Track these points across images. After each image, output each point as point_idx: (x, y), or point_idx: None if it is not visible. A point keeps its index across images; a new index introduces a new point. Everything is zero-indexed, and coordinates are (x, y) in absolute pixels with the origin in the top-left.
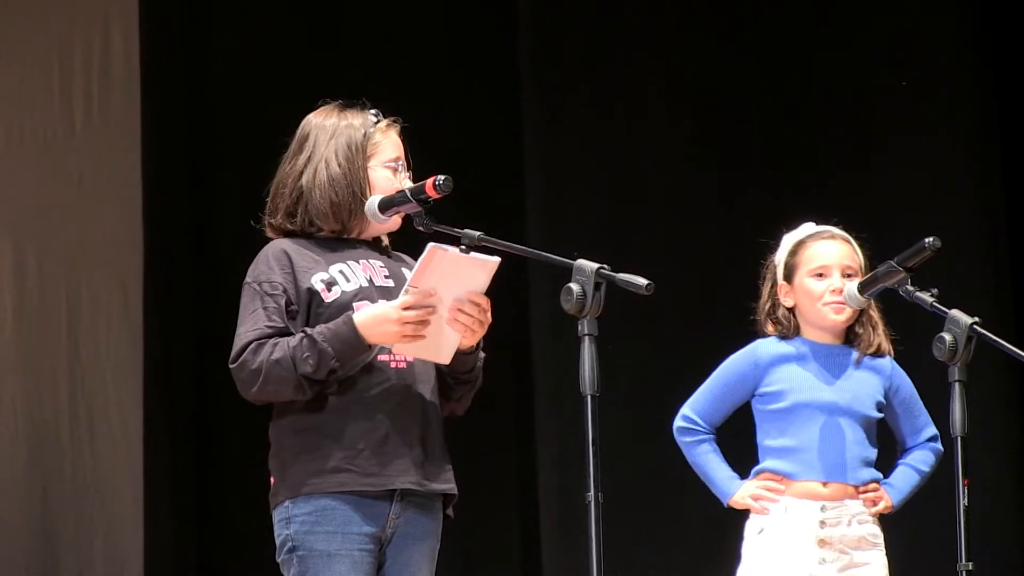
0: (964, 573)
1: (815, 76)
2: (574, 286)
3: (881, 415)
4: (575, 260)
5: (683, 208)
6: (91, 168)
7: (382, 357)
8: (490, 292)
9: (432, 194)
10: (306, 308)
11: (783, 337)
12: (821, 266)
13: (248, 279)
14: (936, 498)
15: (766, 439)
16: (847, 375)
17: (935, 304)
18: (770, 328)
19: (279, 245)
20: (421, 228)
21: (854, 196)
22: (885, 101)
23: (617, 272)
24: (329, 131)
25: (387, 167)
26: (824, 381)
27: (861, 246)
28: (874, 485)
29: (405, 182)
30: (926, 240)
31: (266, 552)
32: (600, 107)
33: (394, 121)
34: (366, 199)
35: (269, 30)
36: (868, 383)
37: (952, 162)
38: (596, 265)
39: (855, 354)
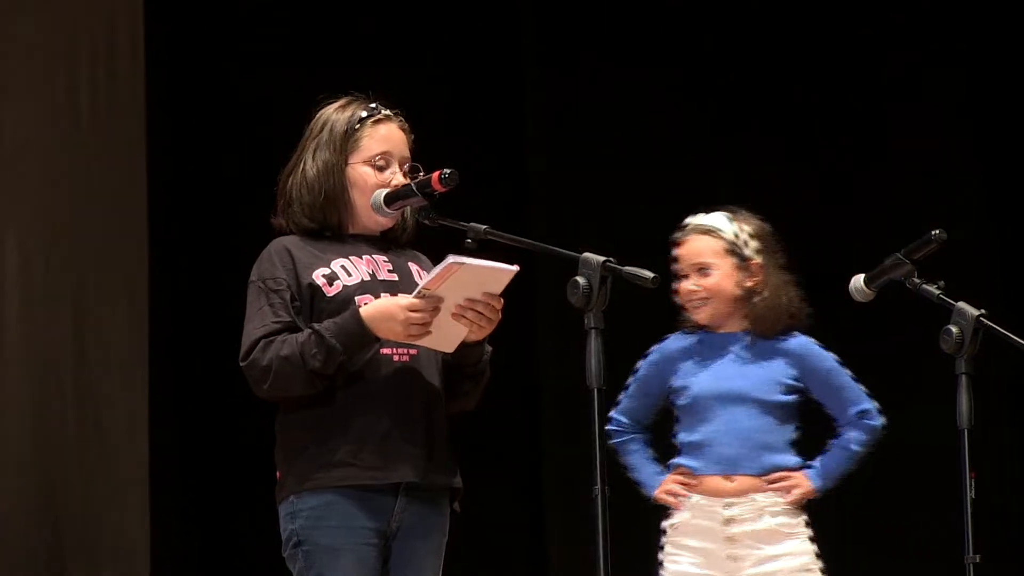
0: (971, 565)
1: (824, 72)
2: (580, 279)
3: (792, 397)
4: (581, 253)
5: (691, 202)
6: (97, 164)
7: (386, 351)
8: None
9: (438, 188)
10: (309, 304)
11: (690, 330)
12: (679, 267)
13: (253, 277)
14: (943, 490)
15: (677, 435)
16: (748, 361)
17: (942, 296)
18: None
19: (281, 242)
20: (427, 222)
21: (861, 189)
22: (894, 96)
23: (623, 265)
24: (316, 129)
25: (370, 164)
26: (722, 371)
27: (749, 225)
28: (783, 473)
29: (397, 176)
30: (932, 232)
31: (273, 547)
32: (605, 100)
33: (389, 115)
34: (347, 197)
35: (276, 26)
36: (771, 367)
37: (958, 154)
38: (602, 258)
39: (761, 340)
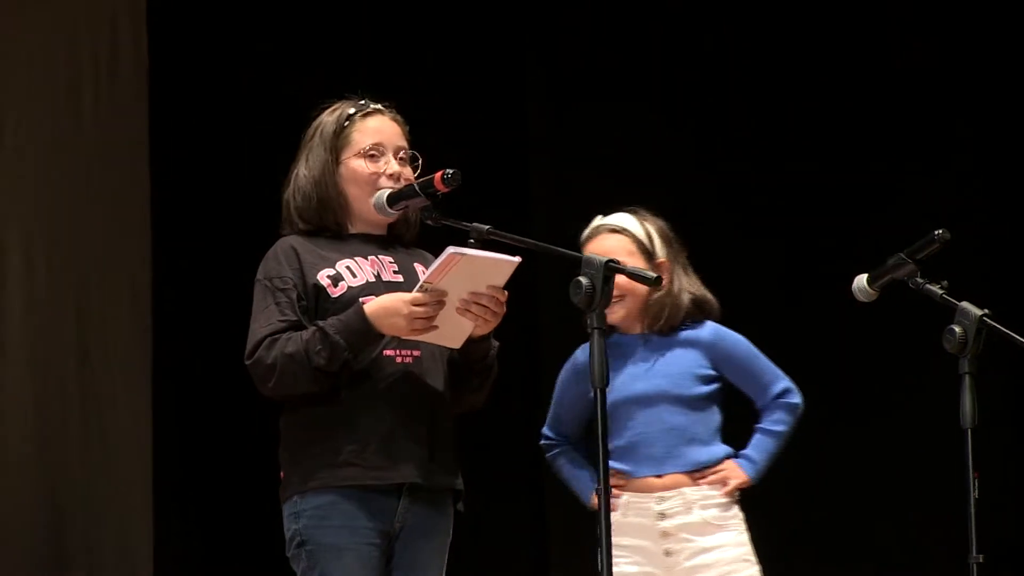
0: (975, 565)
1: (825, 71)
2: (583, 279)
3: (710, 387)
4: (584, 253)
5: (691, 202)
6: (99, 164)
7: (389, 352)
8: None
9: (440, 188)
10: (314, 304)
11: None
12: None
13: (259, 276)
14: (946, 490)
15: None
16: (659, 359)
17: (945, 296)
18: None
19: (288, 242)
20: (429, 222)
21: (863, 189)
22: (896, 95)
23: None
24: (309, 135)
25: (362, 156)
26: (635, 373)
27: (652, 221)
28: (714, 468)
29: (392, 165)
30: (935, 232)
31: (276, 546)
32: (607, 99)
33: (379, 108)
34: (342, 196)
35: (279, 26)
36: (683, 360)
37: (960, 153)
38: (605, 258)
39: (667, 335)
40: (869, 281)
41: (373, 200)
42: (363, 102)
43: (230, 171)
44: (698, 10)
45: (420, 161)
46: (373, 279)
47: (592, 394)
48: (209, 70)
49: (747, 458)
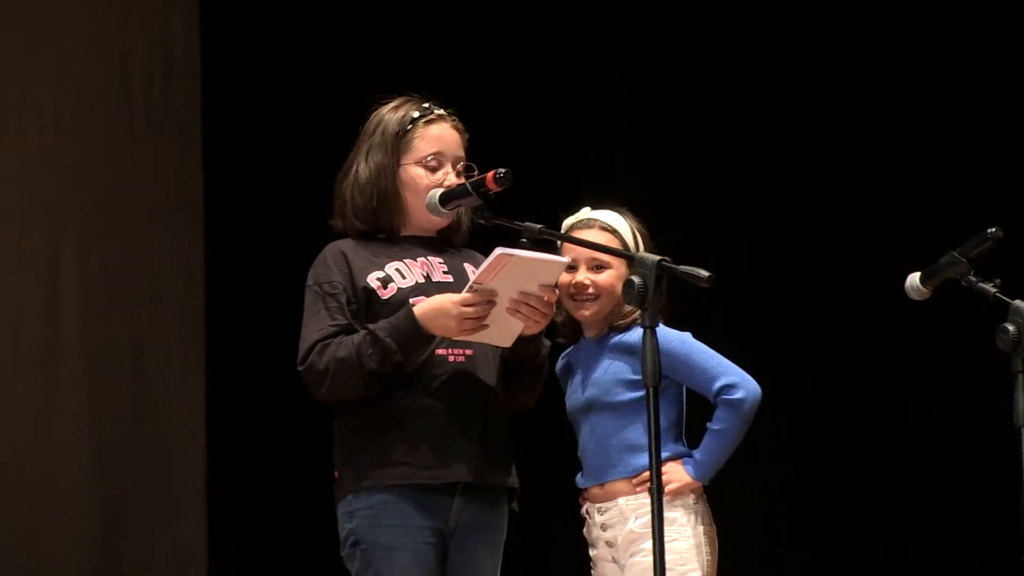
0: None
1: (871, 70)
2: (635, 279)
3: (642, 392)
4: (636, 253)
5: (741, 203)
6: (153, 169)
7: (441, 351)
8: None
9: (492, 187)
10: (364, 307)
11: (564, 339)
12: (572, 258)
13: (309, 282)
14: (999, 489)
15: None
16: (595, 367)
17: (998, 294)
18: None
19: (336, 246)
20: (482, 221)
21: (915, 187)
22: (945, 91)
23: (678, 264)
24: (369, 131)
25: (422, 165)
26: (580, 383)
27: (639, 229)
28: (646, 475)
29: (449, 177)
30: (988, 230)
31: (331, 546)
32: (658, 98)
33: (442, 115)
34: (399, 199)
35: (332, 27)
36: (614, 367)
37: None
38: (657, 257)
39: (609, 339)
40: (922, 279)
41: (426, 200)
42: (427, 106)
43: (284, 173)
44: (741, 14)
45: (475, 172)
46: (423, 280)
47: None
48: (262, 71)
49: (692, 459)
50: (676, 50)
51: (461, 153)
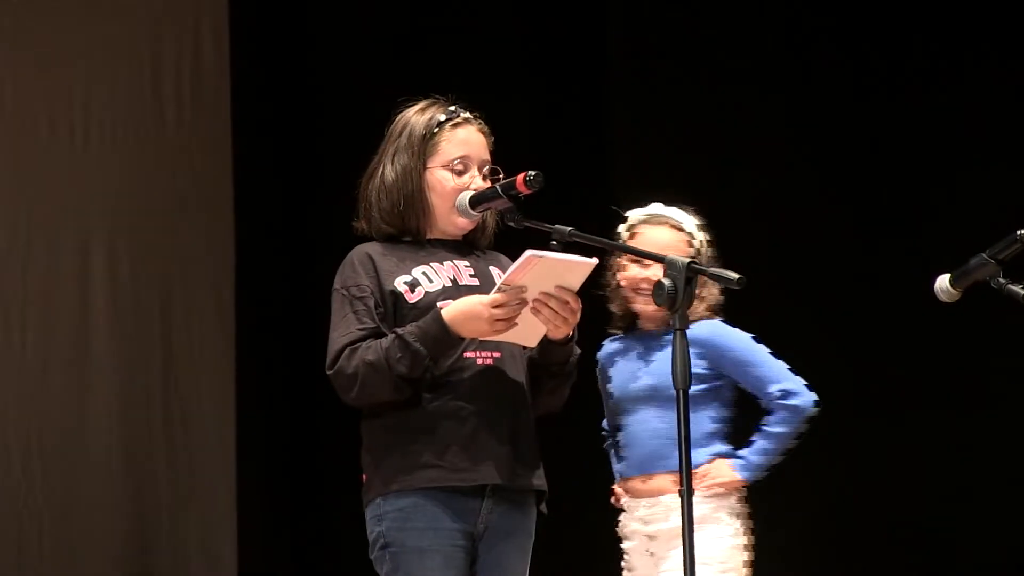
0: None
1: (911, 57)
2: (666, 281)
3: (704, 387)
4: (666, 255)
5: (775, 205)
6: (183, 167)
7: (469, 354)
8: (585, 289)
9: (523, 190)
10: (392, 311)
11: (618, 330)
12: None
13: (336, 285)
14: None
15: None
16: (658, 357)
17: None
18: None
19: (363, 249)
20: (512, 224)
21: (949, 188)
22: (973, 98)
23: (709, 266)
24: (395, 133)
25: (448, 168)
26: (636, 370)
27: (705, 230)
28: (711, 464)
29: (476, 180)
30: (1018, 232)
31: (360, 549)
32: (690, 104)
33: (468, 119)
34: (425, 202)
35: (359, 27)
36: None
37: None
38: (687, 260)
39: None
40: (951, 281)
41: (456, 202)
42: (453, 109)
43: (313, 173)
44: (774, 15)
45: (501, 175)
46: (450, 284)
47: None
48: (292, 73)
49: (745, 459)
50: (712, 47)
51: (487, 156)
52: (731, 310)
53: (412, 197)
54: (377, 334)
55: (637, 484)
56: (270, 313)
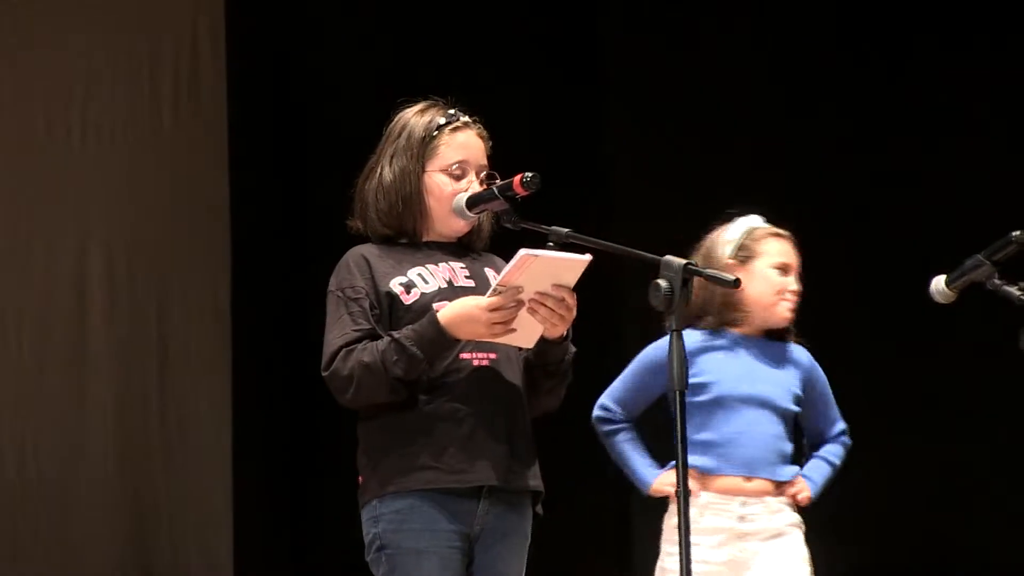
0: None
1: (908, 69)
2: (662, 282)
3: (799, 409)
4: (663, 256)
5: (773, 204)
6: (180, 167)
7: (465, 355)
8: (581, 288)
9: (519, 191)
10: (387, 312)
11: (713, 327)
12: (784, 263)
13: (331, 287)
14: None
15: (699, 432)
16: (770, 368)
17: (1023, 298)
18: (702, 321)
19: (358, 251)
20: (508, 225)
21: (949, 189)
22: (976, 101)
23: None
24: (394, 134)
25: (446, 173)
26: (749, 374)
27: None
28: (792, 482)
29: (473, 186)
30: (1013, 233)
31: (356, 551)
32: (688, 105)
33: (468, 123)
34: (422, 205)
35: (356, 27)
36: (788, 376)
37: None
38: (684, 261)
39: (779, 347)
40: (947, 283)
41: (452, 203)
42: (453, 112)
43: (310, 173)
44: (783, 11)
45: (497, 180)
46: (445, 285)
47: (693, 380)
48: (288, 72)
49: (810, 479)
50: (707, 54)
51: (484, 161)
52: None
53: (410, 199)
54: (372, 335)
55: (736, 482)
56: (267, 314)
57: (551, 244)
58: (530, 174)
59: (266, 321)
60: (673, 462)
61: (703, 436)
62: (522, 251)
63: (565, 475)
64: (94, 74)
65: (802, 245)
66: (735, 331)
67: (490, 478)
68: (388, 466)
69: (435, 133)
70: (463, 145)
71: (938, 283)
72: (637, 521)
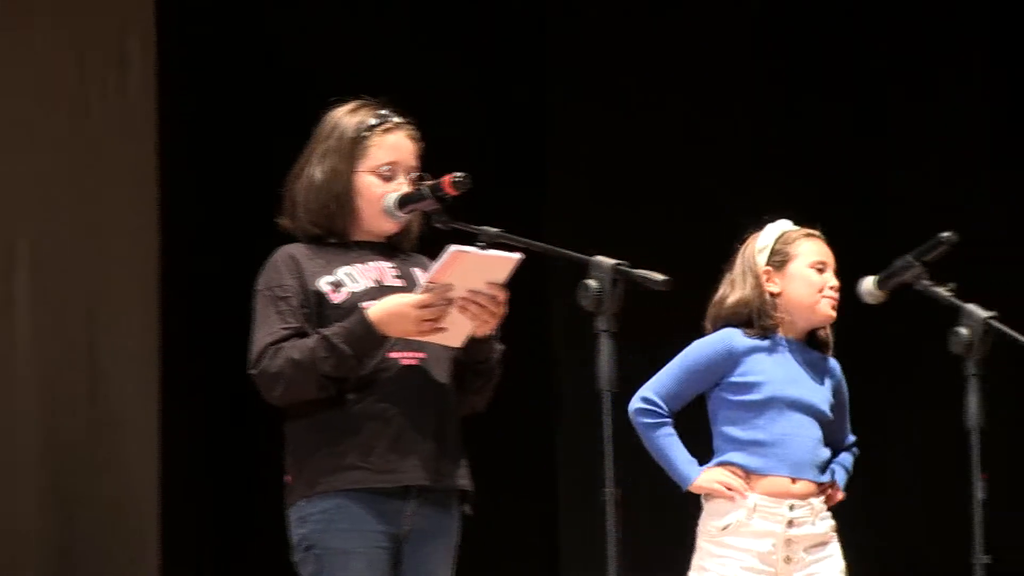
0: (981, 566)
1: (834, 75)
2: (591, 282)
3: (832, 417)
4: (592, 256)
5: (707, 205)
6: (106, 160)
7: (393, 354)
8: (511, 289)
9: (450, 191)
10: (316, 311)
11: (759, 334)
12: (821, 261)
13: (259, 286)
14: (953, 492)
15: (731, 429)
16: (812, 374)
17: (951, 298)
18: (749, 325)
19: (287, 250)
20: (439, 225)
21: (881, 192)
22: (912, 102)
23: (635, 268)
24: (324, 133)
25: (376, 174)
26: (797, 377)
27: None
28: (829, 481)
29: (403, 188)
30: (942, 235)
31: (283, 551)
32: (623, 103)
33: (399, 124)
34: (352, 205)
35: (286, 28)
36: (826, 384)
37: (971, 157)
38: (613, 261)
39: (820, 355)
40: (877, 283)
41: (383, 203)
42: (384, 113)
43: (237, 173)
44: (714, 19)
45: (427, 180)
46: (374, 285)
47: (742, 379)
48: (218, 73)
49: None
50: (641, 54)
51: (415, 163)
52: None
53: (340, 199)
54: (301, 334)
55: (784, 483)
56: (195, 313)
57: (482, 244)
58: (460, 174)
59: (195, 320)
60: (714, 459)
61: (750, 435)
62: (452, 247)
63: (493, 476)
64: (21, 75)
65: (731, 242)
66: (780, 335)
67: (419, 478)
68: (316, 466)
69: (366, 134)
70: (394, 146)
71: (867, 284)
72: (564, 522)
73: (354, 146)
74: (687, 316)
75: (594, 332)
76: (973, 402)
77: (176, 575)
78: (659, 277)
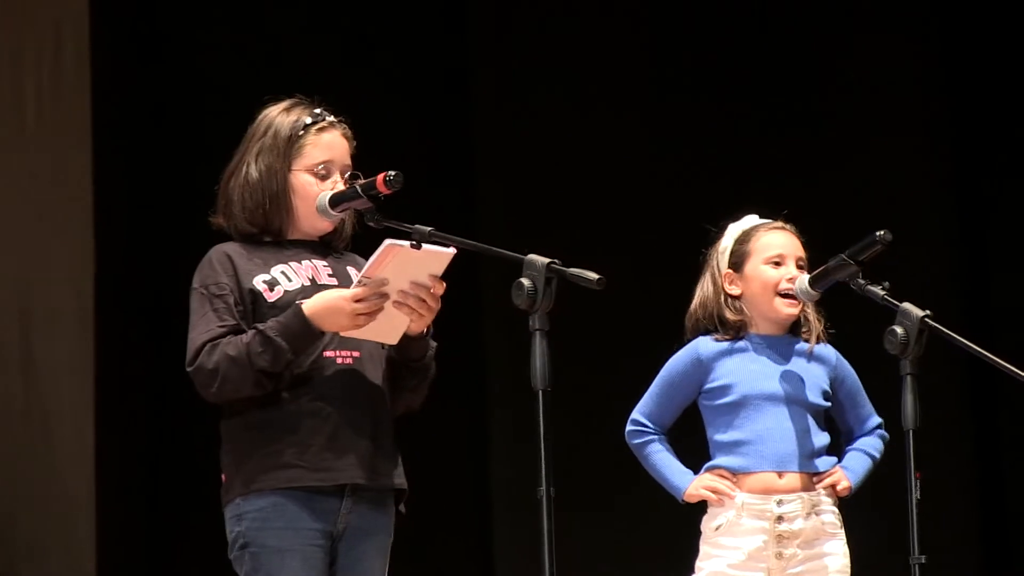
0: (916, 566)
1: (772, 72)
2: (525, 281)
3: (828, 404)
4: (526, 255)
5: (638, 203)
6: (42, 169)
7: (329, 353)
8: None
9: (383, 190)
10: (251, 310)
11: (729, 337)
12: (777, 255)
13: (195, 285)
14: (888, 491)
15: (715, 435)
16: (792, 365)
17: (886, 297)
18: (714, 331)
19: (221, 249)
20: (372, 224)
21: (811, 191)
22: (842, 99)
23: (568, 267)
24: (259, 132)
25: (311, 172)
26: (769, 372)
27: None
28: (828, 472)
29: (338, 186)
30: (876, 233)
31: (219, 549)
32: (553, 102)
33: (334, 123)
34: (288, 204)
35: (223, 27)
36: (814, 372)
37: (907, 157)
38: (547, 260)
39: (803, 345)
40: (811, 282)
41: (316, 202)
42: (319, 112)
43: (174, 173)
44: (651, 14)
45: (360, 179)
46: (309, 283)
47: (715, 384)
48: (152, 73)
49: (849, 469)
50: (570, 51)
51: (349, 161)
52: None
53: (276, 198)
54: (237, 331)
55: (769, 478)
56: (131, 312)
57: (415, 242)
58: (393, 173)
59: (130, 319)
60: (705, 465)
61: (731, 436)
62: (387, 241)
63: (427, 475)
64: None
65: (668, 240)
66: (752, 332)
67: (354, 476)
68: (251, 464)
69: (301, 132)
70: (329, 145)
71: (802, 283)
72: (499, 521)
73: (289, 145)
74: (626, 313)
75: (528, 330)
76: (909, 402)
77: (113, 572)
78: (593, 276)
